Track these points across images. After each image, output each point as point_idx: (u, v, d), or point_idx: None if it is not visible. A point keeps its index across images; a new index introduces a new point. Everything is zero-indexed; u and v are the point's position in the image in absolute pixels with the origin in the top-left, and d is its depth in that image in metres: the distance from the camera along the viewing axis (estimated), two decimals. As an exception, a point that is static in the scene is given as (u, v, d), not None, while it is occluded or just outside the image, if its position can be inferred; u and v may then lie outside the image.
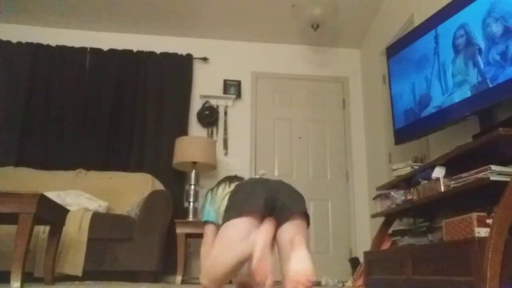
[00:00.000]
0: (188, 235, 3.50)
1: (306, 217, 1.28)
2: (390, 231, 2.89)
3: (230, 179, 1.54)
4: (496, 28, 2.17)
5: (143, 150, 4.09)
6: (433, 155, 2.93)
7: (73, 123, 4.08)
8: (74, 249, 2.92)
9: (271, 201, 1.20)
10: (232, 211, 1.20)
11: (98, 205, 3.34)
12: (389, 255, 2.58)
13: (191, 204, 3.69)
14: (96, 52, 4.31)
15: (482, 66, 2.25)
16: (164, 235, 3.23)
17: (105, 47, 4.33)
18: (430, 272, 2.01)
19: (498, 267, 1.59)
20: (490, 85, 2.19)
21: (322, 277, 3.74)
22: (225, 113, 4.37)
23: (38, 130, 4.01)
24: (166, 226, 3.27)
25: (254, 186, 1.26)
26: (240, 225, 1.13)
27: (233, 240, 1.10)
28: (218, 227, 1.34)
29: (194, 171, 3.77)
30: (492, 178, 1.80)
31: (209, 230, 1.44)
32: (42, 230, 2.85)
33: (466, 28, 2.38)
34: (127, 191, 3.64)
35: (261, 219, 1.17)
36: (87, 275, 2.91)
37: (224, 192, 1.42)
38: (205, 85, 4.41)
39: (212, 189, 1.57)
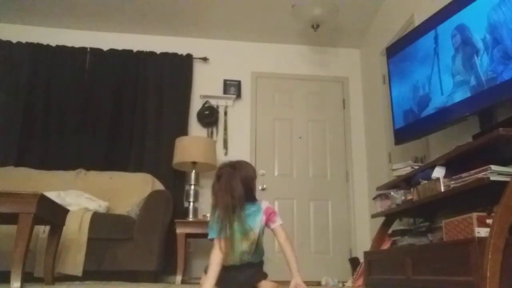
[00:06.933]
0: (188, 235, 3.49)
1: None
2: (390, 231, 2.89)
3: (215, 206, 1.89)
4: (497, 28, 2.17)
5: (143, 150, 4.09)
6: (433, 155, 2.93)
7: (73, 123, 4.08)
8: (74, 249, 2.92)
9: None
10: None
11: (98, 205, 3.34)
12: (389, 255, 2.58)
13: (191, 204, 3.69)
14: (96, 52, 4.31)
15: (482, 66, 2.25)
16: (164, 235, 3.23)
17: (105, 47, 4.33)
18: (430, 272, 2.01)
19: (498, 267, 1.59)
20: (490, 85, 2.19)
21: (322, 277, 3.74)
22: (225, 113, 4.37)
23: (38, 130, 4.01)
24: (166, 226, 3.27)
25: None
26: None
27: None
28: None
29: (194, 171, 3.77)
30: (492, 178, 1.80)
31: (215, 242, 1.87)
32: (42, 230, 2.85)
33: (466, 28, 2.38)
34: (127, 191, 3.64)
35: None
36: (87, 275, 2.91)
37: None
38: (205, 85, 4.41)
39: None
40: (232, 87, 4.45)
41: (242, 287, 1.89)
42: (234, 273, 1.87)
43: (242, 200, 1.82)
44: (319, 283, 3.70)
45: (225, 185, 1.83)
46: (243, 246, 1.84)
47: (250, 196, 1.90)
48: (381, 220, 2.98)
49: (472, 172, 1.93)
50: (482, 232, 1.80)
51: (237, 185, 1.83)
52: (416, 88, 2.82)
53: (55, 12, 4.14)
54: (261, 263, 2.01)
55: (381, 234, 2.89)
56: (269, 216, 1.90)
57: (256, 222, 1.86)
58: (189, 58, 4.42)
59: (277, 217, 1.92)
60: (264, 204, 1.93)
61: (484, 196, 1.96)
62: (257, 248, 1.90)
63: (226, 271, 1.85)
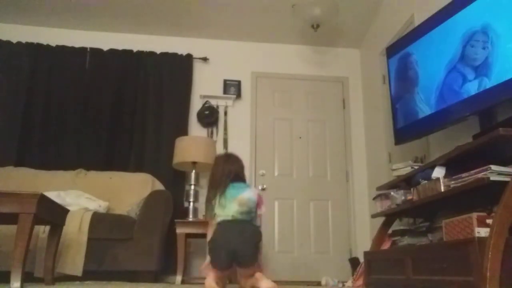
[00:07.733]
0: (188, 235, 3.49)
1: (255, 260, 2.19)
2: (390, 231, 2.89)
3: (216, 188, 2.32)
4: (498, 27, 2.17)
5: (143, 150, 4.09)
6: (433, 155, 2.93)
7: (73, 123, 4.08)
8: (74, 249, 2.92)
9: (231, 262, 2.13)
10: (211, 262, 2.17)
11: (98, 205, 3.34)
12: (389, 255, 2.58)
13: (191, 204, 3.69)
14: (96, 52, 4.31)
15: (482, 66, 2.25)
16: (164, 235, 3.23)
17: (105, 47, 4.33)
18: (430, 272, 2.01)
19: (498, 267, 1.59)
20: (490, 85, 2.19)
21: (322, 277, 3.74)
22: (225, 113, 4.37)
23: (38, 130, 4.01)
24: (166, 226, 3.27)
25: (220, 252, 2.13)
26: (213, 276, 2.15)
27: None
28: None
29: (194, 171, 3.77)
30: (492, 178, 1.80)
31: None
32: (42, 230, 2.86)
33: (466, 27, 2.38)
34: (127, 191, 3.64)
35: (226, 268, 2.14)
36: (87, 275, 2.91)
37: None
38: (205, 85, 4.41)
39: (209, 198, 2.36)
40: (232, 87, 4.45)
41: (237, 238, 2.16)
42: (230, 224, 2.22)
43: (234, 177, 2.34)
44: (319, 283, 3.70)
45: (223, 168, 2.37)
46: (233, 205, 2.24)
47: (241, 178, 2.39)
48: (381, 220, 2.98)
49: (472, 172, 1.93)
50: (482, 232, 1.81)
51: (232, 168, 2.38)
52: (417, 87, 2.82)
53: (55, 12, 4.14)
54: (257, 229, 2.29)
55: (381, 234, 2.89)
56: (259, 203, 2.32)
57: (244, 191, 2.28)
58: (189, 58, 4.42)
59: (263, 205, 2.35)
60: (255, 190, 2.42)
61: (484, 196, 1.96)
62: (248, 210, 2.26)
63: (222, 224, 2.23)
